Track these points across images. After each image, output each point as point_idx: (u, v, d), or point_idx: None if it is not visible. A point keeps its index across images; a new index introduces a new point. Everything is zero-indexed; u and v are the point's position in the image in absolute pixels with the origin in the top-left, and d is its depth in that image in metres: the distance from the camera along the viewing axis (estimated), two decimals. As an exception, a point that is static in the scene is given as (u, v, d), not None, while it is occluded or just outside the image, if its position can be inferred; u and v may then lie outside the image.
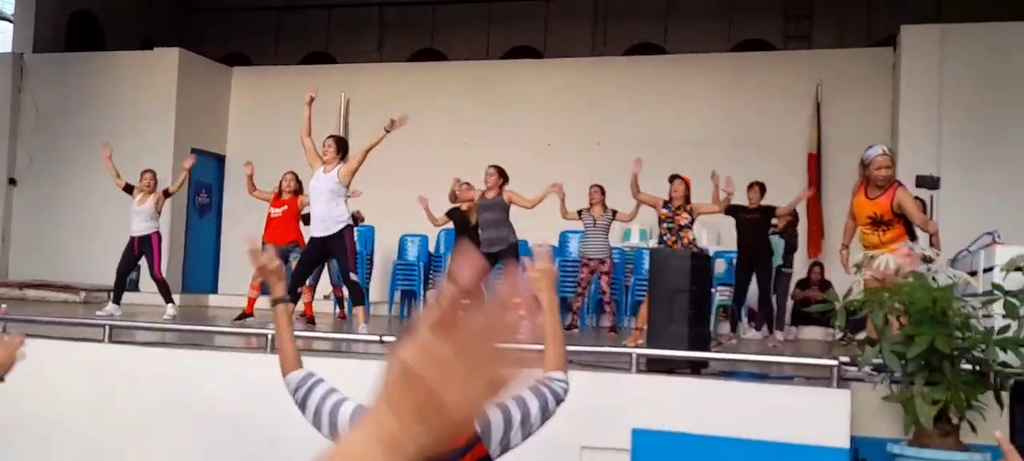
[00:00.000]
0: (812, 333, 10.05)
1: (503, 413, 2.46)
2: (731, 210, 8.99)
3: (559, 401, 2.59)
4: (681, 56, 12.87)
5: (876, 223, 5.87)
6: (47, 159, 13.09)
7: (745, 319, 9.77)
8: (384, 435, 0.75)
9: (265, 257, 2.80)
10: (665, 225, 7.93)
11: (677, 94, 12.34)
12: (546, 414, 2.54)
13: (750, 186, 9.14)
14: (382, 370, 0.78)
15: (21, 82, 13.39)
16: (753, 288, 9.21)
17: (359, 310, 7.64)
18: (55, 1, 13.92)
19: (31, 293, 11.66)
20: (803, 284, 10.45)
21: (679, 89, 12.36)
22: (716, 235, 11.24)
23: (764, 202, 9.00)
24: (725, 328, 9.84)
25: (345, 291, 9.40)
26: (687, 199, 7.95)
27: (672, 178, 8.05)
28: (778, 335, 9.03)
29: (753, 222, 8.91)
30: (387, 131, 7.55)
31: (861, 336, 5.24)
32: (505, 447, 2.45)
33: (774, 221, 9.18)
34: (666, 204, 8.02)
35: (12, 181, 13.30)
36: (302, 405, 2.54)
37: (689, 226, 7.86)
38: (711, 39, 13.38)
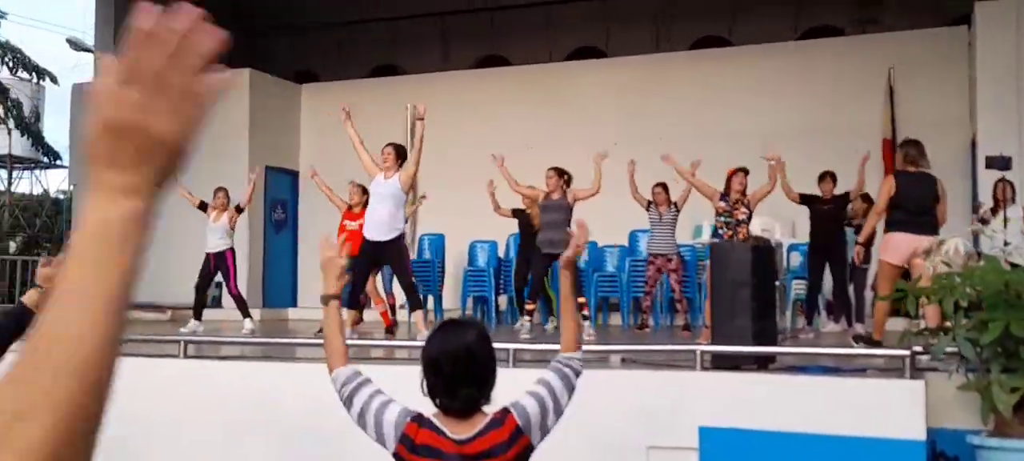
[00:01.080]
0: (894, 325, 9.75)
1: (537, 401, 2.52)
2: (805, 200, 8.83)
3: (578, 375, 2.70)
4: (747, 47, 12.67)
5: None
6: (131, 183, 13.61)
7: (823, 312, 9.57)
8: (119, 190, 0.77)
9: (331, 249, 2.83)
10: (722, 218, 7.83)
11: (744, 87, 12.15)
12: (571, 392, 2.66)
13: (822, 176, 8.96)
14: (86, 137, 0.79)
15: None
16: (829, 280, 9.02)
17: (418, 315, 7.73)
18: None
19: (120, 313, 12.11)
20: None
21: (746, 81, 12.17)
22: (791, 227, 11.02)
23: (837, 192, 8.81)
24: (802, 322, 9.63)
25: (396, 299, 9.57)
26: (745, 193, 7.82)
27: (736, 171, 7.92)
28: (858, 327, 8.79)
29: (828, 213, 8.73)
30: (420, 119, 7.63)
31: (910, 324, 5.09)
32: (544, 434, 2.52)
33: (849, 209, 8.96)
34: (723, 196, 7.89)
35: (99, 206, 13.86)
36: (348, 402, 2.60)
37: (747, 221, 7.73)
38: (777, 28, 13.14)
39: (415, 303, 7.76)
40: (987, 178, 8.53)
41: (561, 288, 2.82)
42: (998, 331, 4.51)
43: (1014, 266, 5.11)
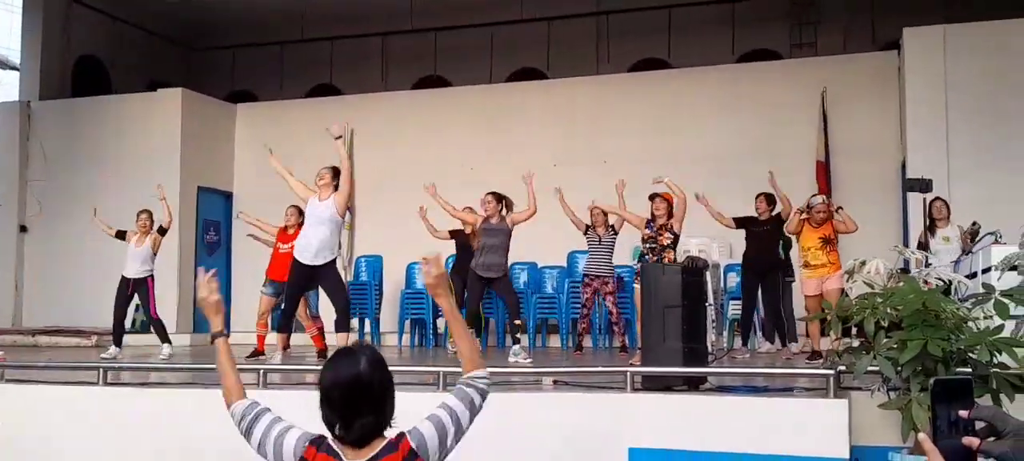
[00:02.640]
0: (826, 344, 9.96)
1: (436, 425, 2.52)
2: (742, 222, 8.99)
3: (484, 396, 2.69)
4: (685, 70, 12.90)
5: (826, 242, 7.80)
6: (57, 205, 13.32)
7: (759, 332, 9.72)
8: None
9: (206, 290, 2.86)
10: (648, 245, 7.94)
11: (683, 107, 12.36)
12: (473, 413, 2.65)
13: (758, 197, 9.10)
14: None
15: (29, 129, 13.66)
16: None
17: (344, 338, 7.67)
18: (60, 48, 14.19)
19: (43, 340, 11.83)
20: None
21: (685, 102, 12.38)
22: (728, 248, 11.21)
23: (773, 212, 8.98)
24: (738, 343, 9.77)
25: (323, 322, 9.51)
26: (670, 216, 7.95)
27: (652, 197, 8.06)
28: (793, 347, 8.97)
29: (765, 234, 8.89)
30: (336, 138, 7.65)
31: (835, 344, 5.22)
32: (444, 453, 2.52)
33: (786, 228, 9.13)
34: (648, 223, 8.03)
35: (23, 228, 13.53)
36: (248, 433, 2.60)
37: (672, 246, 7.85)
38: (715, 51, 13.41)
39: (343, 326, 7.72)
40: (915, 201, 8.78)
41: (443, 312, 2.80)
42: (916, 350, 4.63)
43: (948, 285, 5.26)
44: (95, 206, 10.03)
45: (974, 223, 8.00)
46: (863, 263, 5.29)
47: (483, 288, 8.47)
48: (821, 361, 7.60)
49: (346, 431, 2.43)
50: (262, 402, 2.71)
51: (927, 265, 5.46)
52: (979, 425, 1.48)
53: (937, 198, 8.35)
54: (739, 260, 10.59)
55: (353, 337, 8.51)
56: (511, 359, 7.95)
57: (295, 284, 7.94)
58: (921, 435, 1.50)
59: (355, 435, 2.43)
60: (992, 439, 1.46)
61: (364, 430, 2.43)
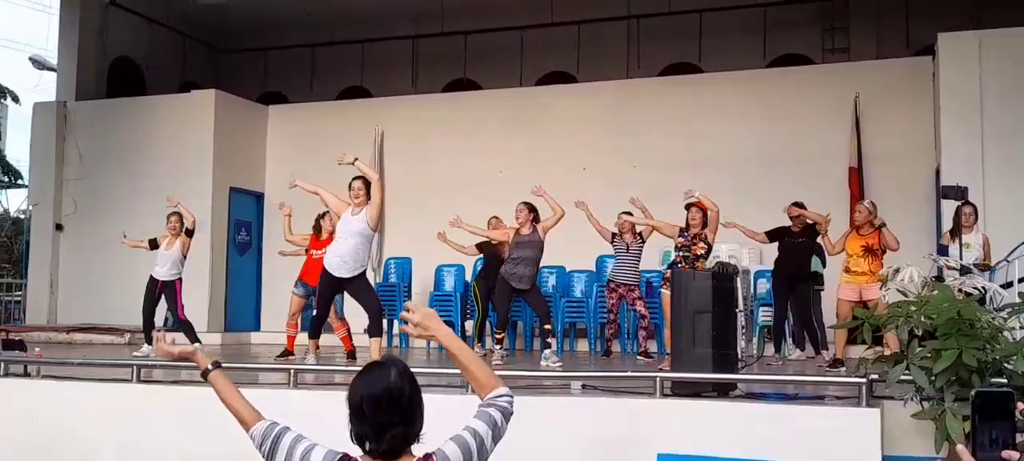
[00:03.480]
0: (859, 351, 9.87)
1: (461, 446, 2.51)
2: (775, 234, 8.95)
3: (507, 415, 2.64)
4: (716, 74, 12.84)
5: (868, 251, 7.78)
6: (92, 204, 13.51)
7: (789, 340, 9.66)
8: None
9: (165, 346, 3.03)
10: (681, 253, 7.93)
11: (713, 112, 12.31)
12: (498, 434, 2.61)
13: (789, 208, 9.01)
14: None
15: (65, 129, 13.87)
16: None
17: (376, 342, 7.73)
18: (97, 49, 14.40)
19: (78, 337, 12.00)
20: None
21: (715, 107, 12.33)
22: (758, 254, 11.15)
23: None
24: (771, 349, 9.72)
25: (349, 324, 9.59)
26: (704, 226, 7.93)
27: (688, 206, 8.05)
28: (825, 354, 8.91)
29: (798, 246, 8.82)
30: (351, 164, 7.65)
31: (868, 352, 5.18)
32: None
33: (820, 241, 9.05)
34: (682, 232, 8.02)
35: (59, 227, 13.73)
36: (271, 454, 2.60)
37: (705, 256, 7.83)
38: (747, 55, 13.34)
39: (376, 330, 7.76)
40: (949, 208, 8.68)
41: (443, 344, 2.72)
42: (951, 360, 4.60)
43: (968, 295, 5.20)
44: (124, 230, 10.23)
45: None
46: (897, 271, 5.25)
47: (512, 296, 8.50)
48: (843, 369, 7.58)
49: (377, 443, 2.44)
50: (282, 419, 2.70)
51: (963, 273, 5.41)
52: (1021, 439, 1.46)
53: (968, 202, 8.23)
54: (769, 266, 10.57)
55: (384, 342, 8.52)
56: (543, 363, 7.97)
57: (324, 294, 8.00)
58: (960, 447, 1.49)
59: (386, 446, 2.44)
60: None
61: (395, 441, 2.44)
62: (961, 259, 7.56)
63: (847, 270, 7.97)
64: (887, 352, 5.72)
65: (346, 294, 8.05)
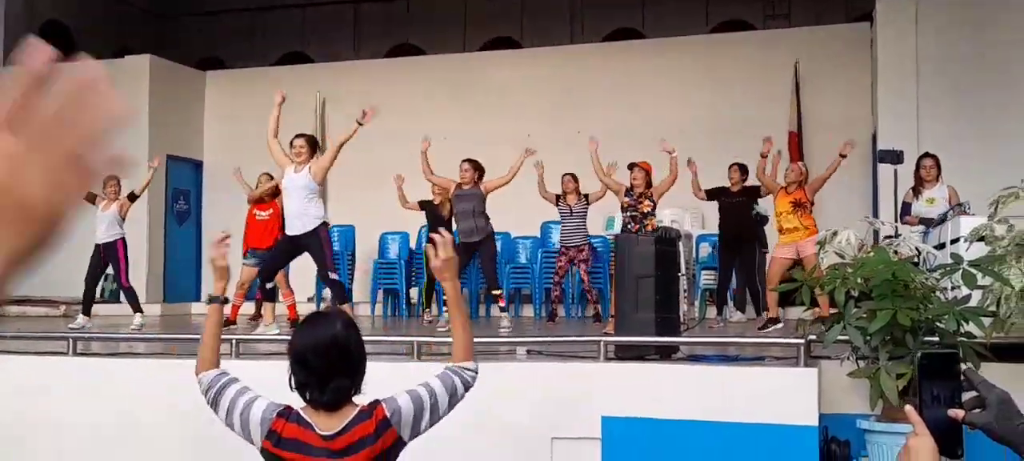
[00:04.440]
0: (797, 313, 10.09)
1: (413, 400, 2.53)
2: (713, 193, 9.05)
3: (467, 388, 2.68)
4: (659, 40, 12.91)
5: (797, 206, 7.87)
6: (22, 173, 13.11)
7: (730, 303, 9.82)
8: None
9: (216, 249, 2.88)
10: (628, 213, 8.01)
11: (656, 79, 12.38)
12: (454, 401, 2.63)
13: (731, 167, 9.18)
14: None
15: (-8, 97, 13.41)
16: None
17: (345, 308, 7.66)
18: (23, 12, 13.92)
19: (11, 310, 11.69)
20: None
21: (658, 74, 12.40)
22: (700, 218, 11.30)
23: (746, 183, 9.05)
24: (713, 312, 9.87)
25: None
26: (648, 185, 8.00)
27: (631, 166, 8.12)
28: (765, 315, 9.08)
29: (737, 205, 8.95)
30: (359, 124, 7.59)
31: (806, 314, 5.30)
32: (415, 433, 2.53)
33: (758, 201, 9.18)
34: (628, 192, 8.09)
35: (-13, 197, 13.32)
36: (214, 404, 2.60)
37: (652, 213, 7.92)
38: (689, 22, 13.42)
39: (339, 297, 7.66)
40: (884, 172, 8.87)
41: (446, 296, 2.79)
42: (886, 320, 4.71)
43: (917, 255, 5.34)
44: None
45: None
46: (835, 234, 5.35)
47: (468, 257, 8.47)
48: (780, 326, 7.73)
49: (320, 393, 2.44)
50: (231, 372, 2.70)
51: (896, 235, 5.53)
52: (966, 396, 1.51)
53: (927, 154, 8.14)
54: (711, 231, 10.72)
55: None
56: (502, 326, 8.02)
57: (275, 253, 7.91)
58: (908, 407, 1.53)
59: (329, 397, 2.44)
60: (977, 411, 1.50)
61: (339, 393, 2.46)
62: (926, 214, 7.66)
63: (781, 230, 8.09)
64: (821, 314, 5.85)
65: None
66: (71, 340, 6.21)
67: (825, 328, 5.17)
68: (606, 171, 8.65)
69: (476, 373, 2.72)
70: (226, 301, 2.91)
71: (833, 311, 5.44)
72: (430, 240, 2.89)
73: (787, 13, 13.43)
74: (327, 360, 2.44)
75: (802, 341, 5.35)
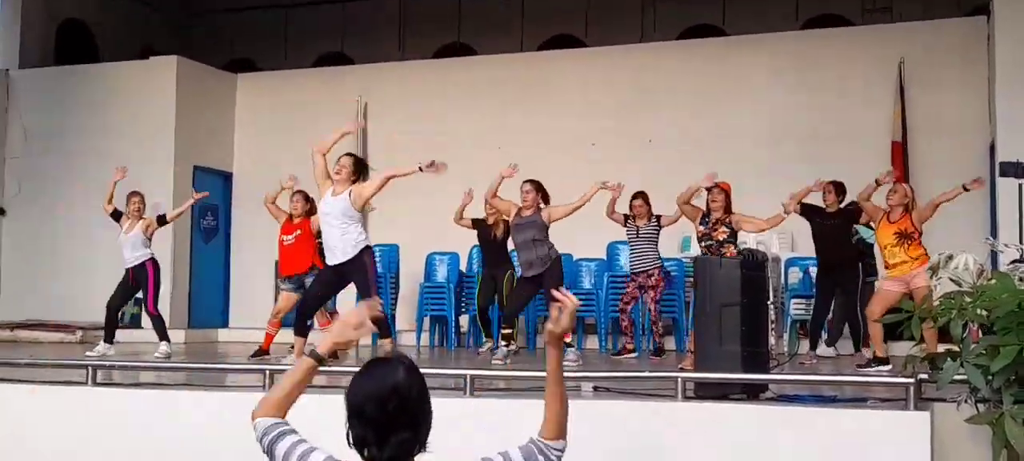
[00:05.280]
0: (904, 349, 9.88)
1: None
2: (807, 212, 8.93)
3: None
4: (742, 38, 12.81)
5: (904, 237, 7.72)
6: (39, 185, 13.47)
7: (825, 335, 9.67)
8: None
9: (359, 317, 2.82)
10: (704, 243, 7.94)
11: (739, 81, 12.28)
12: None
13: (826, 186, 9.00)
14: None
15: (8, 101, 13.80)
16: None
17: (386, 342, 7.73)
18: (42, 10, 14.33)
19: (23, 335, 12.00)
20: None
21: (741, 76, 12.30)
22: (789, 239, 11.16)
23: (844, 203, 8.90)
24: (803, 347, 9.71)
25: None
26: (727, 210, 7.92)
27: (709, 189, 8.05)
28: (866, 352, 8.93)
29: (833, 228, 8.81)
30: (421, 169, 7.59)
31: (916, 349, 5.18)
32: None
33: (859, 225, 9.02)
34: (703, 218, 8.01)
35: (1, 211, 13.70)
36: (270, 452, 2.62)
37: (731, 240, 7.83)
38: (777, 17, 13.32)
39: (382, 330, 7.73)
40: (1006, 187, 8.66)
41: (547, 364, 2.77)
42: (1011, 357, 4.59)
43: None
44: (75, 204, 10.04)
45: None
46: (950, 258, 5.24)
47: (532, 290, 8.48)
48: (888, 367, 7.61)
49: (379, 448, 2.44)
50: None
51: (1022, 260, 5.39)
52: None
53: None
54: (801, 254, 10.57)
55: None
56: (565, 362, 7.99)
57: (318, 285, 8.00)
58: None
59: (390, 454, 2.44)
60: None
61: (401, 449, 2.45)
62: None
63: (888, 266, 7.94)
64: (927, 349, 5.73)
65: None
66: (90, 368, 6.34)
67: (939, 366, 5.05)
68: (687, 198, 8.59)
69: (563, 454, 2.72)
70: (322, 363, 2.85)
71: (948, 347, 5.31)
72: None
73: (889, 6, 13.27)
74: (388, 412, 2.43)
75: (912, 381, 5.23)
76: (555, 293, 2.79)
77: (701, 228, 8.01)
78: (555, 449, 2.70)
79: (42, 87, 13.72)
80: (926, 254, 7.68)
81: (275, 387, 2.79)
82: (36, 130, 13.62)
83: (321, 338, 2.85)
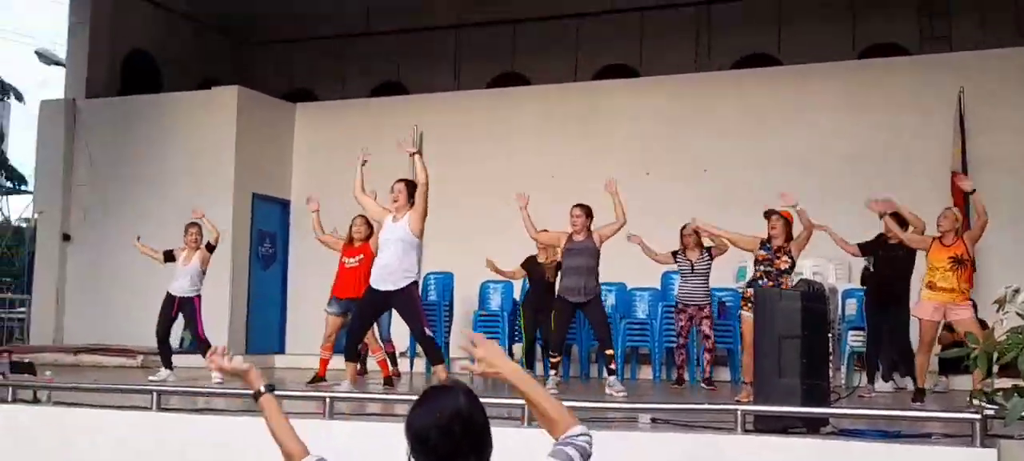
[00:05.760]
0: (965, 383, 9.68)
1: None
2: (868, 248, 8.84)
3: (586, 457, 2.62)
4: (797, 66, 12.72)
5: (958, 263, 7.65)
6: (102, 212, 13.75)
7: (881, 368, 9.52)
8: None
9: (220, 361, 3.04)
10: (762, 268, 7.79)
11: (795, 110, 12.20)
12: None
13: (885, 217, 8.90)
14: None
15: (74, 130, 14.13)
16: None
17: (440, 368, 7.77)
18: (109, 41, 14.66)
19: (86, 358, 12.21)
20: (950, 326, 10.09)
21: (797, 104, 12.22)
22: (846, 270, 11.01)
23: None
24: (860, 380, 9.56)
25: (396, 346, 9.64)
26: (788, 238, 7.80)
27: (768, 214, 7.93)
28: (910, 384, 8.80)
29: (895, 260, 8.70)
30: (412, 155, 7.65)
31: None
32: None
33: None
34: (764, 244, 7.88)
35: (66, 237, 13.99)
36: None
37: (790, 271, 7.70)
38: (833, 45, 13.20)
39: (435, 357, 7.75)
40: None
41: (508, 381, 2.73)
42: (1083, 393, 4.47)
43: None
44: (138, 234, 10.34)
45: None
46: (1017, 291, 5.11)
47: (571, 314, 8.45)
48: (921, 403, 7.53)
49: None
50: (328, 453, 2.73)
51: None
52: None
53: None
54: (859, 284, 10.42)
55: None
56: (607, 391, 7.96)
57: (365, 310, 8.04)
58: None
59: None
60: None
61: None
62: None
63: (931, 286, 7.81)
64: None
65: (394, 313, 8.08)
66: (155, 394, 6.43)
67: (1006, 401, 4.93)
68: (714, 232, 8.59)
69: (589, 436, 2.66)
70: (270, 390, 2.97)
71: (1015, 382, 5.18)
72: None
73: (948, 35, 13.08)
74: (452, 439, 2.42)
75: (978, 416, 5.11)
76: (464, 338, 2.76)
77: (762, 253, 7.86)
78: (578, 435, 2.62)
79: (107, 117, 14.03)
80: (969, 292, 7.66)
81: (277, 436, 2.85)
82: (101, 158, 13.92)
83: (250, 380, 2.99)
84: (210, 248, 9.52)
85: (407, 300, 7.65)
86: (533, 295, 10.25)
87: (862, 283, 10.04)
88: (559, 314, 8.57)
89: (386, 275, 7.64)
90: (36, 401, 7.00)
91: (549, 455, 2.60)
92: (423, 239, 7.95)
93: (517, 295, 11.56)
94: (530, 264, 10.14)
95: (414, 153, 7.64)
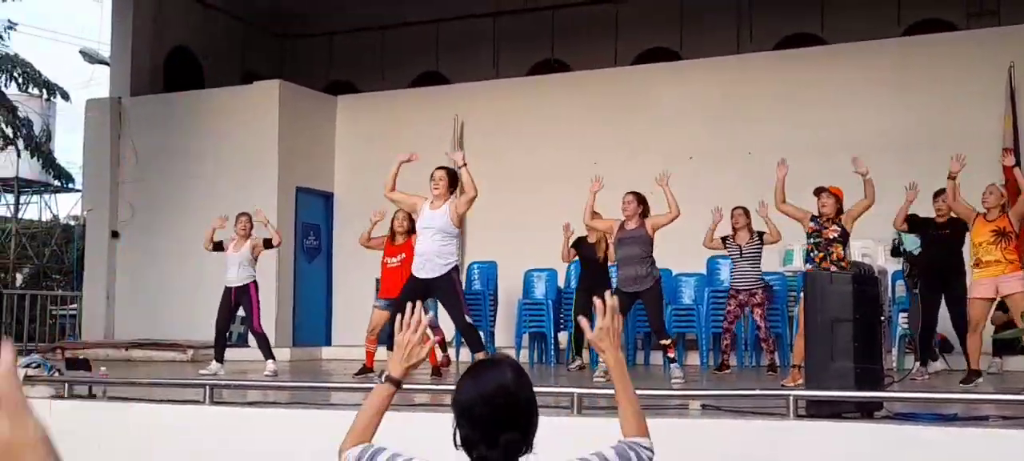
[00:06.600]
0: (1020, 363, 9.54)
1: None
2: (915, 225, 8.74)
3: None
4: (842, 46, 12.56)
5: (1001, 235, 7.69)
6: (149, 208, 13.93)
7: (936, 350, 9.42)
8: None
9: (413, 332, 2.80)
10: (812, 240, 7.79)
11: (838, 90, 12.05)
12: None
13: (935, 196, 8.83)
14: None
15: (120, 128, 14.31)
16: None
17: (479, 355, 7.76)
18: (151, 39, 14.83)
19: (137, 354, 12.40)
20: (1005, 306, 9.94)
21: (840, 84, 12.06)
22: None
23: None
24: (911, 362, 9.45)
25: (444, 334, 9.66)
26: (839, 212, 7.76)
27: (818, 191, 7.87)
28: (993, 367, 8.69)
29: (943, 239, 8.61)
30: (461, 167, 7.65)
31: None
32: None
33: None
34: (814, 218, 7.85)
35: (115, 234, 14.18)
36: None
37: (839, 240, 7.66)
38: (878, 23, 13.02)
39: (475, 345, 7.78)
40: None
41: (608, 367, 2.78)
42: None
43: None
44: (186, 227, 10.38)
45: None
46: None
47: (630, 305, 8.41)
48: (980, 380, 7.44)
49: (489, 449, 2.45)
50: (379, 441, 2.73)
51: None
52: None
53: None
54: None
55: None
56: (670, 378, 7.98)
57: (405, 298, 8.06)
58: None
59: (499, 454, 2.45)
60: None
61: (510, 449, 2.45)
62: None
63: (978, 264, 7.80)
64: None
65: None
66: (208, 388, 6.52)
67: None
68: (780, 198, 8.41)
69: (653, 452, 2.69)
70: (399, 386, 2.87)
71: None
72: (589, 302, 2.93)
73: (996, 9, 12.84)
74: (497, 412, 2.44)
75: (1037, 398, 5.04)
76: (596, 299, 2.78)
77: (812, 225, 7.83)
78: (644, 447, 2.64)
79: (152, 114, 14.20)
80: (1020, 260, 7.59)
81: (356, 418, 2.78)
82: (147, 155, 14.09)
83: (391, 361, 2.86)
84: (267, 244, 9.59)
85: (448, 287, 7.66)
86: (585, 277, 10.23)
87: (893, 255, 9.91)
88: (619, 305, 8.53)
89: (424, 262, 7.68)
90: (91, 397, 7.12)
91: (612, 447, 2.62)
92: (462, 229, 7.97)
93: (561, 283, 11.55)
94: (580, 244, 10.12)
95: (463, 166, 7.61)
